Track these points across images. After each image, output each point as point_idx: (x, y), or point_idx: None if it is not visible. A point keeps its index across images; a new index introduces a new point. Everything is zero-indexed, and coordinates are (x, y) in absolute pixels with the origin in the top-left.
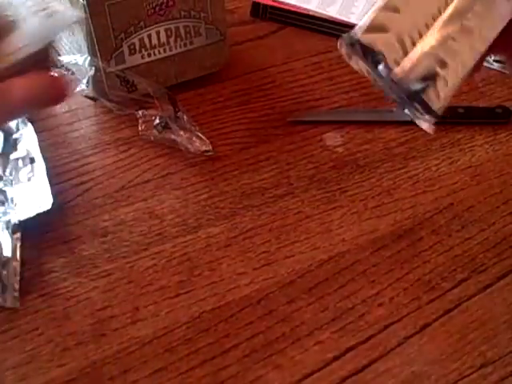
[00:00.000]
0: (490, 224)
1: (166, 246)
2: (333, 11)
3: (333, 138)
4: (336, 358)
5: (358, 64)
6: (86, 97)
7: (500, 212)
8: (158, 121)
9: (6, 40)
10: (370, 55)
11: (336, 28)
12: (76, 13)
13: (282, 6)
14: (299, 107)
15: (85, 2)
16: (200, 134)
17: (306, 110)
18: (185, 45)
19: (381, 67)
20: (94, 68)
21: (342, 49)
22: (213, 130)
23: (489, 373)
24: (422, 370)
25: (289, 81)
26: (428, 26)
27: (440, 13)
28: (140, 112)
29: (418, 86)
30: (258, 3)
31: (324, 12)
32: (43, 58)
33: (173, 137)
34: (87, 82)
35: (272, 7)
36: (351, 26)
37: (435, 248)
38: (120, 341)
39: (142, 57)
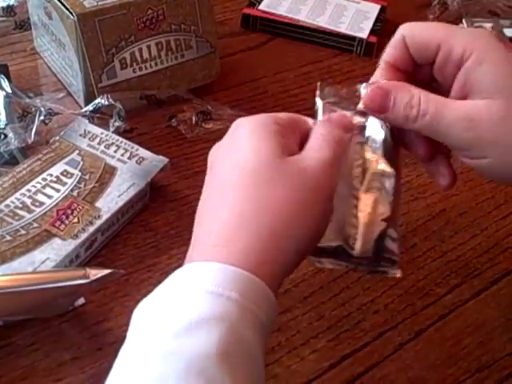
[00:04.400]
0: (482, 229)
1: (162, 258)
2: (322, 21)
3: None
4: (332, 366)
5: (331, 263)
6: None
7: (492, 217)
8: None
9: (111, 185)
10: (333, 252)
11: (326, 38)
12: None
13: (272, 17)
14: None
15: (75, 18)
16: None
17: None
18: (176, 58)
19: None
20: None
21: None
22: (205, 141)
23: (484, 377)
24: (418, 375)
25: (280, 91)
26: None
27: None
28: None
29: (375, 251)
30: (249, 15)
31: (314, 22)
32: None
33: None
34: None
35: (262, 18)
36: (341, 36)
37: (429, 254)
38: (116, 355)
39: (134, 71)
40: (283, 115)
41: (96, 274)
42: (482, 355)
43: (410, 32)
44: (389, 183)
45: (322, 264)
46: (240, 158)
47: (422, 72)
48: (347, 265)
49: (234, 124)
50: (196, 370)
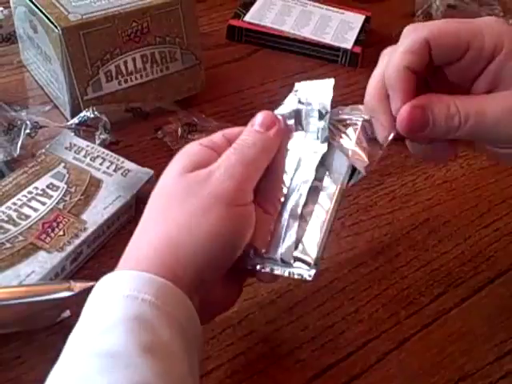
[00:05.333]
0: (465, 238)
1: None
2: (307, 32)
3: None
4: (317, 376)
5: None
6: None
7: (475, 226)
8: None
9: (97, 197)
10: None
11: (311, 49)
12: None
13: (258, 29)
14: None
15: (60, 32)
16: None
17: None
18: (161, 70)
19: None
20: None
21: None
22: None
23: None
24: None
25: (266, 102)
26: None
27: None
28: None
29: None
30: (234, 26)
31: (298, 33)
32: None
33: None
34: None
35: (247, 30)
36: (325, 47)
37: (412, 263)
38: None
39: (119, 83)
40: (219, 135)
41: (80, 286)
42: (465, 363)
43: (435, 35)
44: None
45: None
46: (159, 184)
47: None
48: (262, 266)
49: None
50: (115, 364)
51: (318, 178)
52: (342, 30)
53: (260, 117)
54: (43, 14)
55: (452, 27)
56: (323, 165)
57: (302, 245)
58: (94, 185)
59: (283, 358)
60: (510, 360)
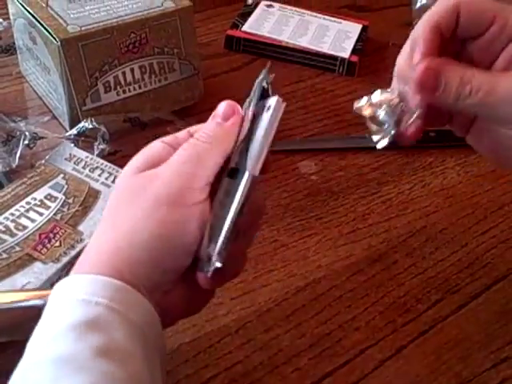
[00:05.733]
0: (462, 245)
1: None
2: (304, 41)
3: (307, 166)
4: None
5: None
6: None
7: (472, 233)
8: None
9: (94, 208)
10: None
11: (308, 58)
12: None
13: (255, 38)
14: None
15: (59, 43)
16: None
17: (281, 139)
18: (159, 80)
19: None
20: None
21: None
22: None
23: None
24: None
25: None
26: None
27: None
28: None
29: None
30: (232, 36)
31: (296, 43)
32: None
33: None
34: None
35: (245, 39)
36: (323, 56)
37: (409, 271)
38: None
39: (118, 94)
40: (184, 131)
41: None
42: (462, 370)
43: (465, 2)
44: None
45: None
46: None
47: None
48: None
49: None
50: (71, 368)
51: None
52: (339, 39)
53: (220, 107)
54: (42, 25)
55: (483, 0)
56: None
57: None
58: (93, 196)
59: (281, 367)
60: (506, 367)
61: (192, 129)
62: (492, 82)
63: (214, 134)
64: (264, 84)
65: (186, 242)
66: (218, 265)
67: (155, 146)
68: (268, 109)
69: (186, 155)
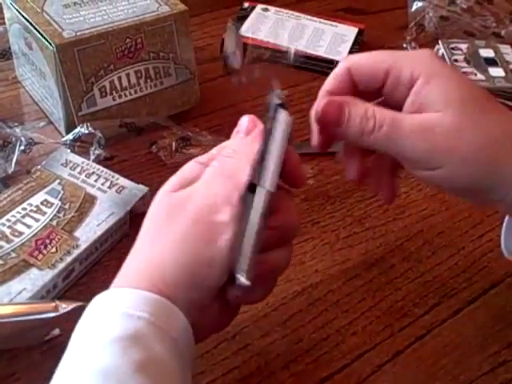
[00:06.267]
0: (459, 248)
1: None
2: (300, 45)
3: (304, 171)
4: None
5: None
6: None
7: (469, 236)
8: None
9: (90, 214)
10: None
11: (304, 61)
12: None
13: (252, 42)
14: None
15: (54, 49)
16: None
17: None
18: (155, 85)
19: None
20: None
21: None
22: None
23: None
24: None
25: (260, 115)
26: None
27: None
28: None
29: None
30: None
31: (292, 46)
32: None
33: None
34: None
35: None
36: (319, 59)
37: (406, 275)
38: None
39: (114, 99)
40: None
41: (66, 307)
42: (459, 375)
43: (355, 63)
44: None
45: None
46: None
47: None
48: None
49: None
50: (115, 381)
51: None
52: (335, 42)
53: (242, 123)
54: (38, 31)
55: (373, 56)
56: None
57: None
58: (89, 201)
59: (278, 372)
60: (504, 370)
61: (220, 146)
62: (396, 118)
63: (238, 149)
64: (276, 100)
65: (224, 259)
66: (245, 282)
67: (188, 166)
68: (277, 124)
69: (216, 173)
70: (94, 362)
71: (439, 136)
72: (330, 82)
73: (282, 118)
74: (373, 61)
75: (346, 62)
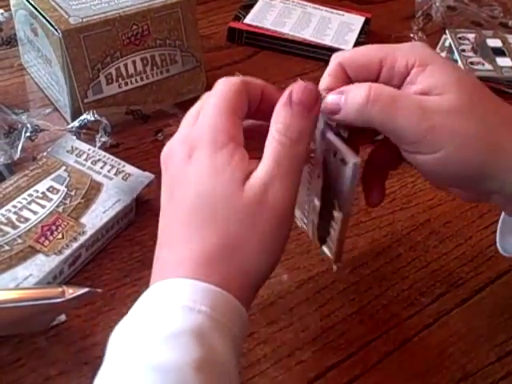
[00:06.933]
0: (466, 238)
1: (148, 272)
2: (307, 34)
3: None
4: (318, 377)
5: None
6: None
7: (476, 226)
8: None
9: (96, 201)
10: None
11: (310, 50)
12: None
13: (258, 31)
14: None
15: (60, 35)
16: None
17: None
18: (161, 73)
19: None
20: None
21: None
22: None
23: None
24: None
25: None
26: None
27: None
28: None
29: None
30: (234, 28)
31: (298, 35)
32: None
33: None
34: None
35: (248, 32)
36: (325, 48)
37: (413, 264)
38: None
39: (119, 86)
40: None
41: (73, 292)
42: (466, 364)
43: (347, 57)
44: None
45: None
46: (204, 188)
47: None
48: None
49: (192, 138)
50: (170, 381)
51: None
52: (341, 31)
53: (298, 90)
54: (43, 17)
55: (365, 49)
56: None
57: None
58: (95, 188)
59: (284, 359)
60: (511, 360)
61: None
62: (392, 93)
63: (302, 129)
64: (343, 134)
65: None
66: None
67: (233, 149)
68: (345, 164)
69: (286, 165)
70: (151, 357)
71: (439, 117)
72: (325, 80)
73: (351, 165)
74: (365, 53)
75: (337, 58)
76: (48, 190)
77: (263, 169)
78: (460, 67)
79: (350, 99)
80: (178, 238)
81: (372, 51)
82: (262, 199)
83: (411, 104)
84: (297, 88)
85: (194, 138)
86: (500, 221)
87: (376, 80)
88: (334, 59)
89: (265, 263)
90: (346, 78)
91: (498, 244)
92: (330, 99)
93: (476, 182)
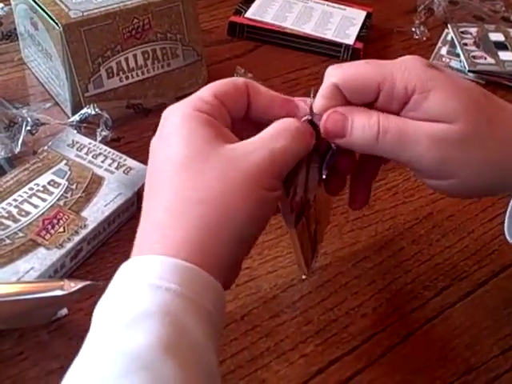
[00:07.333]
0: (469, 232)
1: None
2: (308, 28)
3: None
4: (321, 371)
5: None
6: None
7: (479, 220)
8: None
9: (98, 194)
10: None
11: (312, 44)
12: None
13: (259, 25)
14: None
15: (61, 29)
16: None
17: None
18: (162, 66)
19: None
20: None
21: None
22: None
23: (472, 379)
24: (406, 378)
25: None
26: None
27: None
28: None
29: None
30: (235, 22)
31: (300, 29)
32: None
33: None
34: None
35: (249, 26)
36: (327, 42)
37: (416, 258)
38: None
39: (120, 80)
40: (209, 94)
41: (74, 286)
42: (469, 357)
43: (343, 80)
44: None
45: None
46: (171, 152)
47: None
48: None
49: (163, 115)
50: (137, 366)
51: None
52: (343, 25)
53: (330, 123)
54: (44, 11)
55: (361, 71)
56: None
57: None
58: (96, 182)
59: (287, 353)
60: None
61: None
62: (401, 123)
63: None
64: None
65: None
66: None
67: (208, 121)
68: None
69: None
70: (118, 342)
71: (450, 147)
72: (320, 102)
73: None
74: (362, 76)
75: (331, 77)
76: (49, 183)
77: (254, 138)
78: (460, 78)
79: (356, 129)
80: (145, 208)
81: (369, 72)
82: (233, 160)
83: (420, 135)
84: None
85: (165, 112)
86: (509, 209)
87: (374, 102)
88: (328, 78)
89: (226, 219)
90: (343, 98)
91: (506, 232)
92: (334, 121)
93: (489, 194)
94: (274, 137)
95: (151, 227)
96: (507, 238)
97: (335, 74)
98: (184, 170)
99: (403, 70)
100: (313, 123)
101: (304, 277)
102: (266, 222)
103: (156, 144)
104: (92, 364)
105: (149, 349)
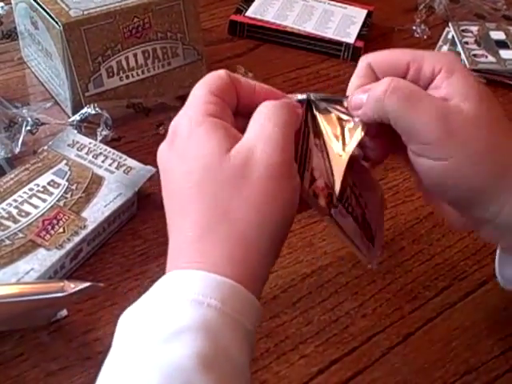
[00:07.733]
0: (469, 231)
1: (150, 266)
2: (309, 27)
3: None
4: (321, 371)
5: None
6: None
7: None
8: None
9: (98, 195)
10: None
11: (312, 43)
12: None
13: (260, 24)
14: None
15: (61, 28)
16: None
17: None
18: (163, 66)
19: None
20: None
21: None
22: None
23: (472, 379)
24: (407, 379)
25: None
26: None
27: None
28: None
29: None
30: (236, 21)
31: (300, 28)
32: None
33: None
34: None
35: (249, 25)
36: (328, 41)
37: (416, 257)
38: None
39: (121, 79)
40: (211, 95)
41: (74, 287)
42: (470, 357)
43: (376, 58)
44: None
45: None
46: (191, 167)
47: None
48: None
49: (173, 124)
50: (176, 379)
51: None
52: (344, 24)
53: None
54: (44, 10)
55: (393, 52)
56: None
57: None
58: (96, 182)
59: (287, 354)
60: None
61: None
62: (414, 90)
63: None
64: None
65: (294, 211)
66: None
67: (216, 124)
68: None
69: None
70: (157, 355)
71: (458, 123)
72: (354, 80)
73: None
74: (394, 55)
75: (366, 58)
76: (49, 183)
77: (247, 134)
78: (480, 80)
79: (371, 93)
80: (174, 224)
81: (401, 53)
82: (248, 162)
83: (432, 103)
84: None
85: (173, 123)
86: (497, 255)
87: (404, 79)
88: (363, 60)
89: (263, 227)
90: (375, 78)
91: (497, 275)
92: (355, 95)
93: (473, 202)
94: (265, 125)
95: (186, 244)
96: (500, 281)
97: (369, 56)
98: (202, 186)
99: (433, 54)
100: None
101: (369, 266)
102: (293, 219)
103: (168, 157)
104: (130, 377)
105: (188, 363)
